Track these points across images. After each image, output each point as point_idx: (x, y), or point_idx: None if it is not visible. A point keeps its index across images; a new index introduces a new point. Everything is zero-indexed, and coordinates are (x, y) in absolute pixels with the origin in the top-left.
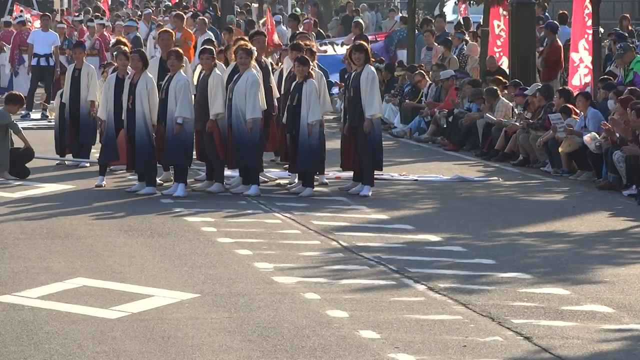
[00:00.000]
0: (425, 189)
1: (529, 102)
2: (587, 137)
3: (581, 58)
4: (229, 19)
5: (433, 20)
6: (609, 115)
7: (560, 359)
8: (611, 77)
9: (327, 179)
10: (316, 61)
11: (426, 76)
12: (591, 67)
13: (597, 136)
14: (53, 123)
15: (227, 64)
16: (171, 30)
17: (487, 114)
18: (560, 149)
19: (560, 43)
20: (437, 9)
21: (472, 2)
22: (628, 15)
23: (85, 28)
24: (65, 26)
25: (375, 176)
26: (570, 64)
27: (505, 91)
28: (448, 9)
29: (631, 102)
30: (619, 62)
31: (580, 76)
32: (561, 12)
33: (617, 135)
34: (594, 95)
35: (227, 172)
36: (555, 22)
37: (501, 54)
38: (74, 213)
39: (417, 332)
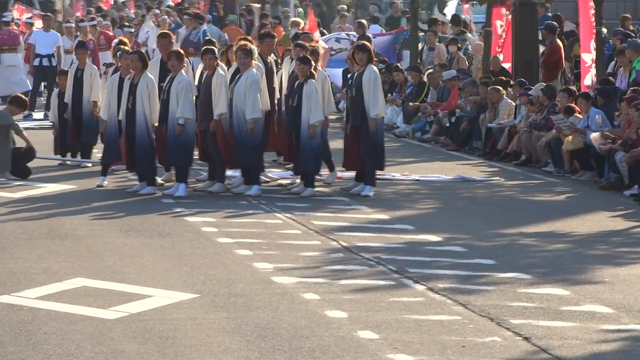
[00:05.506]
0: (427, 189)
1: (534, 103)
2: (593, 135)
3: (593, 58)
4: (230, 19)
5: (439, 22)
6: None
7: (559, 359)
8: (612, 78)
9: None
10: (320, 62)
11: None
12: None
13: None
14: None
15: (229, 64)
16: (170, 33)
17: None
18: (564, 147)
19: (560, 43)
20: (436, 9)
21: (474, 2)
22: (629, 15)
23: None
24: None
25: (377, 176)
26: (581, 65)
27: (510, 90)
28: (450, 9)
29: (634, 102)
30: (622, 61)
31: (592, 77)
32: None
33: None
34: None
35: (229, 172)
36: (554, 22)
37: (501, 53)
38: (74, 213)
39: (416, 333)
